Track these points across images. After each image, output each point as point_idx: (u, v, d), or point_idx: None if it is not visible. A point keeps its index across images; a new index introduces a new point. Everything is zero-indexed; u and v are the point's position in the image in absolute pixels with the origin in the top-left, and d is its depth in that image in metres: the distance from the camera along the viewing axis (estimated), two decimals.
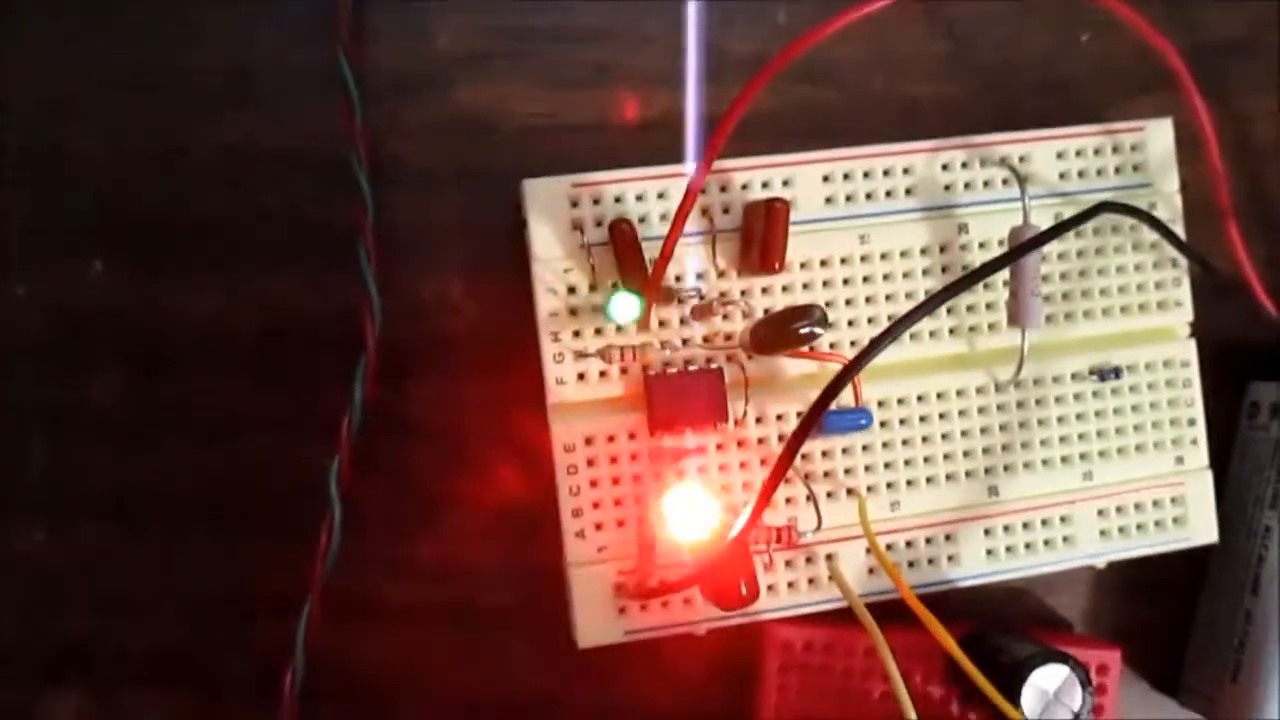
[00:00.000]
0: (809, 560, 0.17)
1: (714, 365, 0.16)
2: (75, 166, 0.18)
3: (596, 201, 0.16)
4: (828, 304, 0.17)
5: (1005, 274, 0.17)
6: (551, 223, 0.16)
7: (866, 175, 0.17)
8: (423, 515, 0.18)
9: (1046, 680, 0.15)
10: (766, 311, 0.16)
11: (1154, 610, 0.19)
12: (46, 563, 0.18)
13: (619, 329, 0.16)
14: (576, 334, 0.16)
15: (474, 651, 0.18)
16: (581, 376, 0.16)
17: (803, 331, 0.14)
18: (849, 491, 0.17)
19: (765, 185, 0.17)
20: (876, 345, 0.14)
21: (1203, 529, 0.18)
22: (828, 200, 0.17)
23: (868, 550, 0.17)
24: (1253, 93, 0.20)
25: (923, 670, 0.17)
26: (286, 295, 0.18)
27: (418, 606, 0.18)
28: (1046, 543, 0.17)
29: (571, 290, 0.16)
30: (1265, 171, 0.20)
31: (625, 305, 0.15)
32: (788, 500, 0.17)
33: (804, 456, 0.17)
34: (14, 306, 0.17)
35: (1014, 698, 0.15)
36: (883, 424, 0.17)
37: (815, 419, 0.14)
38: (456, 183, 0.18)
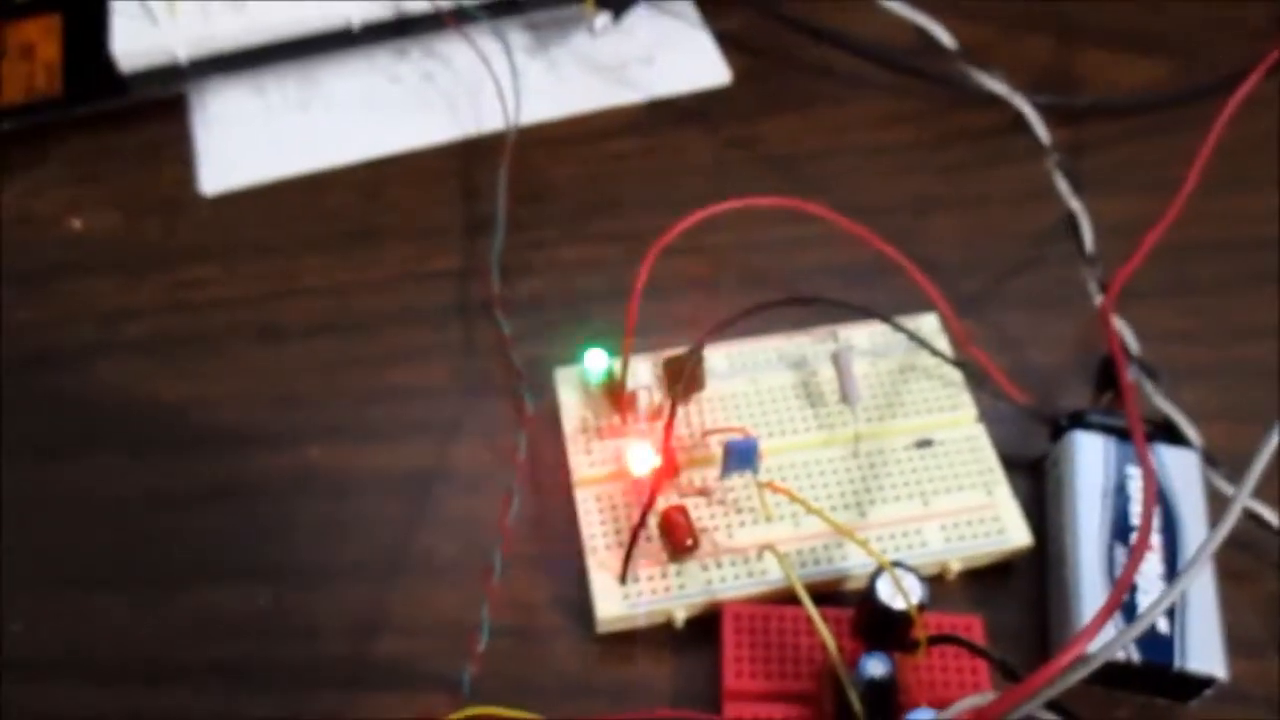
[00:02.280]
0: (747, 560, 0.26)
1: None
2: None
3: None
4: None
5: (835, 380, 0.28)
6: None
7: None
8: None
9: (895, 579, 0.24)
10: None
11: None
12: None
13: None
14: None
15: None
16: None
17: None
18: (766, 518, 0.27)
19: None
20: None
21: (1016, 534, 0.27)
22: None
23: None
24: None
25: (838, 633, 0.25)
26: None
27: None
28: (908, 545, 0.26)
29: None
30: None
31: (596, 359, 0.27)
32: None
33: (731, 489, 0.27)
34: None
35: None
36: (781, 477, 0.27)
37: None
38: None
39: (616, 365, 0.28)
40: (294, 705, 0.26)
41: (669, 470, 0.26)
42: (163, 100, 0.37)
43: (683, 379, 0.26)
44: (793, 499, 0.25)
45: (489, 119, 0.36)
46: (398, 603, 0.27)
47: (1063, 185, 0.30)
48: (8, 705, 0.26)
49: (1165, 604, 0.20)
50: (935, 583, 0.27)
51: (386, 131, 0.36)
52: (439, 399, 0.31)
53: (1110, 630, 0.24)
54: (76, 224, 0.34)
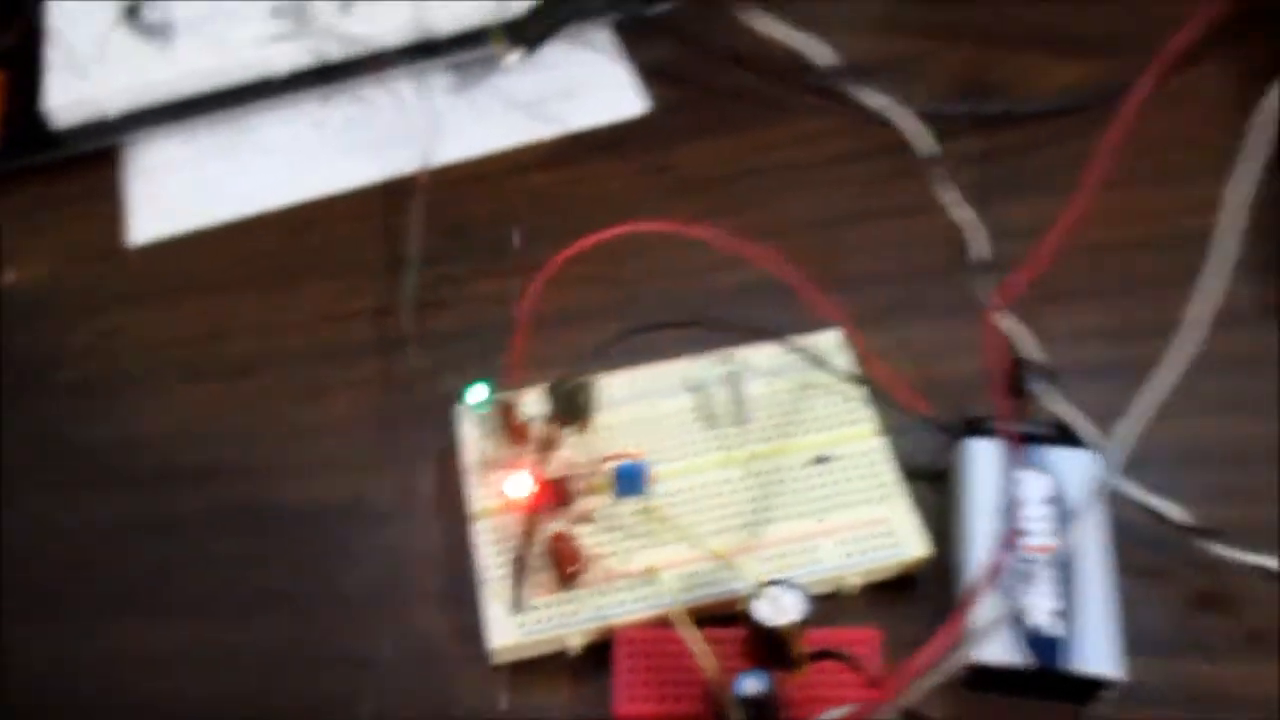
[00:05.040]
0: (640, 584, 0.26)
1: None
2: None
3: None
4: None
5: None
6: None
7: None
8: None
9: (774, 596, 0.24)
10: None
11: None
12: None
13: None
14: None
15: None
16: None
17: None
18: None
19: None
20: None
21: (911, 545, 0.27)
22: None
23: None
24: None
25: (727, 653, 0.25)
26: None
27: None
28: (805, 562, 0.26)
29: None
30: None
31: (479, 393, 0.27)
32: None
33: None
34: None
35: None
36: (679, 499, 0.27)
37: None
38: None
39: (512, 398, 0.28)
40: None
41: (560, 497, 0.27)
42: (97, 152, 0.38)
43: (565, 406, 0.26)
44: (667, 526, 0.25)
45: (409, 160, 0.36)
46: (306, 635, 0.28)
47: (949, 198, 0.30)
48: None
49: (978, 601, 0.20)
50: (836, 598, 0.27)
51: (311, 175, 0.37)
52: (354, 435, 0.31)
53: (994, 630, 0.24)
54: (11, 276, 0.35)
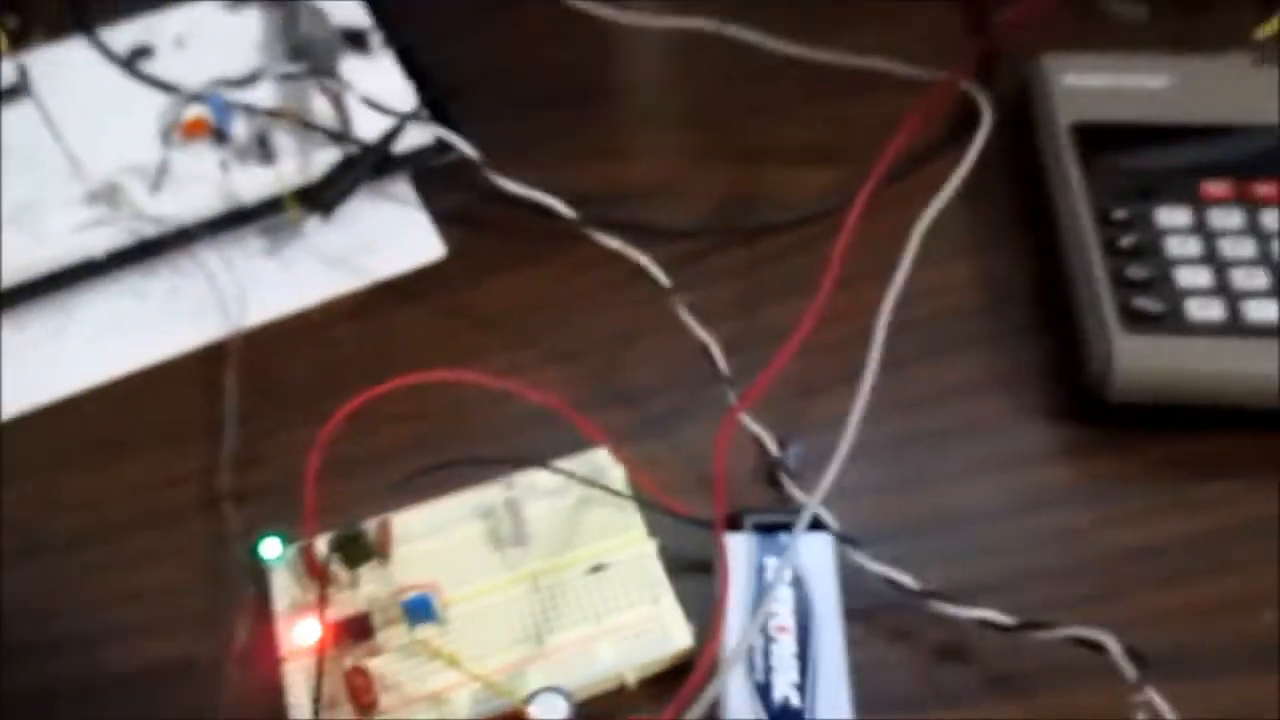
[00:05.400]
0: (439, 704, 0.29)
1: None
2: None
3: None
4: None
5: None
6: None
7: None
8: None
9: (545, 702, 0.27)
10: None
11: None
12: None
13: None
14: None
15: None
16: None
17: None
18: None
19: None
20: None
21: (678, 637, 0.30)
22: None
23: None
24: None
25: None
26: None
27: None
28: (585, 665, 0.29)
29: None
30: None
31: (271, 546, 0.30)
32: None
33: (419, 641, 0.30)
34: None
35: None
36: (471, 621, 0.30)
37: None
38: None
39: (310, 545, 0.31)
40: None
41: (361, 632, 0.29)
42: None
43: (348, 554, 0.29)
44: (446, 654, 0.28)
45: (225, 324, 0.39)
46: None
47: (689, 320, 0.34)
48: None
49: None
50: (621, 693, 0.30)
51: (136, 347, 0.39)
52: (181, 597, 0.33)
53: (742, 702, 0.27)
54: None
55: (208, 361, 0.39)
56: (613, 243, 0.37)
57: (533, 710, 0.26)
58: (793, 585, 0.30)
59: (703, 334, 0.35)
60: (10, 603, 0.34)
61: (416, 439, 0.35)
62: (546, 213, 0.40)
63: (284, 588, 0.31)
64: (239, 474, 0.35)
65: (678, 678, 0.30)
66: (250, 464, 0.36)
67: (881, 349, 0.33)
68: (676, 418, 0.35)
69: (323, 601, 0.29)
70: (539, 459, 0.33)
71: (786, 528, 0.31)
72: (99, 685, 0.32)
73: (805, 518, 0.31)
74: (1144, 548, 0.32)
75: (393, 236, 0.42)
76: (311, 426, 0.36)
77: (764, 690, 0.28)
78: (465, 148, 0.40)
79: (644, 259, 0.36)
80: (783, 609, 0.29)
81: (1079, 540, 0.33)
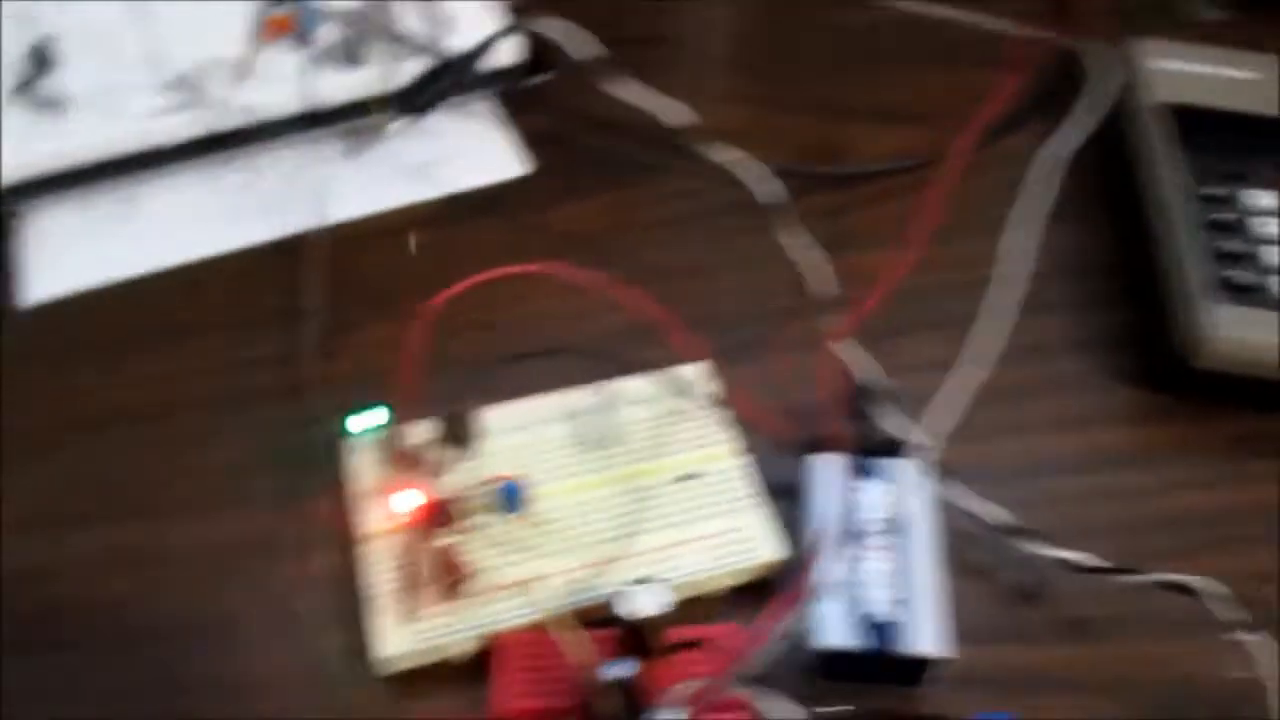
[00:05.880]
0: (519, 594, 0.28)
1: None
2: None
3: None
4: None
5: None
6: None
7: None
8: None
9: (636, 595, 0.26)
10: None
11: None
12: None
13: None
14: None
15: None
16: None
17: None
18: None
19: None
20: None
21: (766, 549, 0.29)
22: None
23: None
24: None
25: (602, 650, 0.27)
26: None
27: None
28: (673, 568, 0.29)
29: None
30: None
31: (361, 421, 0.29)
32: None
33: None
34: None
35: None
36: (558, 516, 0.30)
37: None
38: None
39: (401, 428, 0.30)
40: None
41: (445, 518, 0.29)
42: None
43: (453, 434, 0.29)
44: (543, 537, 0.28)
45: (301, 220, 0.38)
46: (199, 663, 0.29)
47: (794, 245, 0.34)
48: None
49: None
50: (702, 600, 0.29)
51: (205, 237, 0.39)
52: (250, 475, 0.33)
53: (835, 618, 0.27)
54: None
55: (282, 255, 0.38)
56: (730, 155, 0.36)
57: (624, 602, 0.26)
58: (886, 508, 0.30)
59: (800, 263, 0.35)
60: (75, 473, 0.33)
61: (503, 339, 0.35)
62: (633, 139, 0.40)
63: (362, 469, 0.31)
64: (316, 363, 0.35)
65: (759, 589, 0.30)
66: (325, 356, 0.35)
67: (982, 301, 0.33)
68: (766, 345, 0.35)
69: (429, 480, 0.28)
70: (629, 367, 0.33)
71: (877, 454, 0.31)
72: (162, 556, 0.31)
73: (897, 446, 0.31)
74: (1214, 512, 0.33)
75: (474, 151, 0.41)
76: (390, 323, 0.36)
77: (859, 605, 0.27)
78: (568, 48, 0.39)
79: (756, 180, 0.36)
80: (876, 529, 0.29)
81: (1150, 500, 0.33)
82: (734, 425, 0.32)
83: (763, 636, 0.22)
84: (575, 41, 0.39)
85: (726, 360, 0.34)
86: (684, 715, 0.24)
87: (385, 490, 0.30)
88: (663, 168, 0.40)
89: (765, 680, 0.26)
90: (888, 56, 0.44)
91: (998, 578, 0.31)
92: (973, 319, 0.35)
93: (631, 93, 0.39)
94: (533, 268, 0.32)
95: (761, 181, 0.37)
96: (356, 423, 0.30)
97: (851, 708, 0.27)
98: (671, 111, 0.38)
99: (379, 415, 0.30)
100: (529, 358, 0.33)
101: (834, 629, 0.27)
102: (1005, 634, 0.30)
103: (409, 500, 0.29)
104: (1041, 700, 0.29)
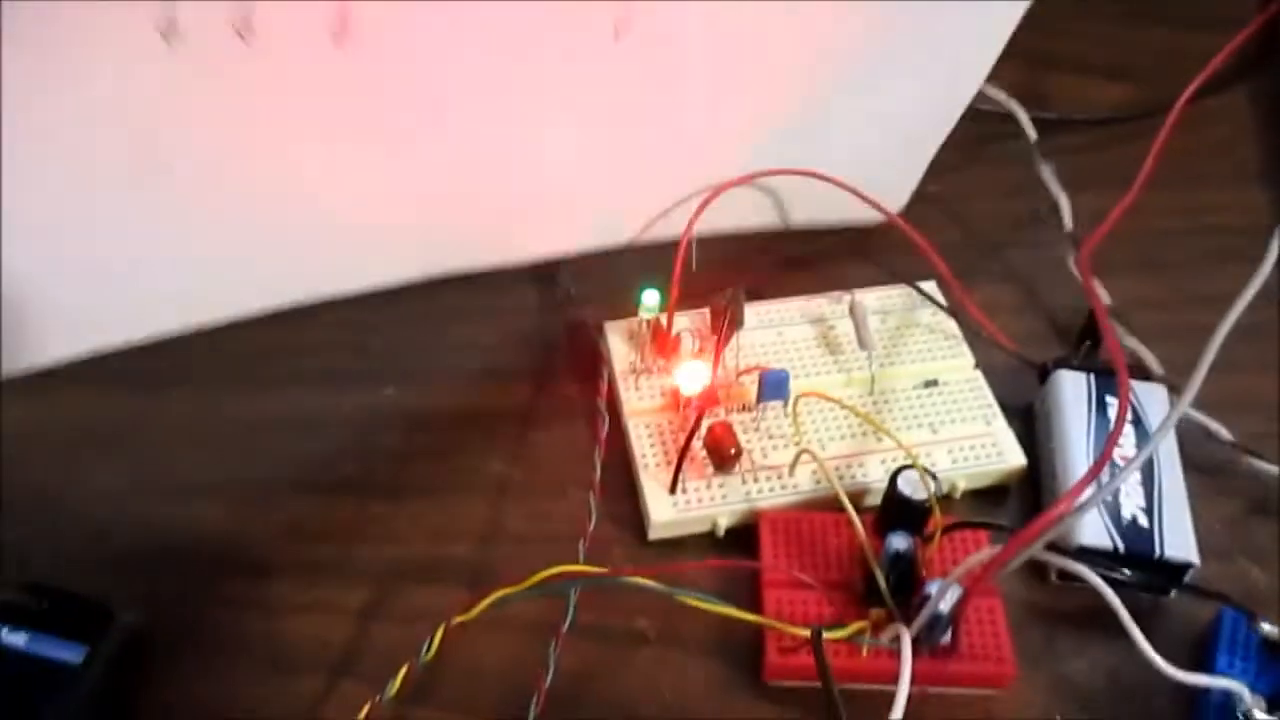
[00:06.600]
0: (781, 475, 0.30)
1: None
2: None
3: None
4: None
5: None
6: None
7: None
8: None
9: (911, 478, 0.28)
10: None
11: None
12: None
13: None
14: None
15: None
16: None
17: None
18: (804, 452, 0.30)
19: None
20: None
21: (1013, 456, 0.31)
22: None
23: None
24: None
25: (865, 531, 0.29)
26: None
27: None
28: (930, 464, 0.30)
29: None
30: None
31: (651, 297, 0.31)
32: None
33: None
34: None
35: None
36: (806, 413, 0.31)
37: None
38: None
39: (665, 315, 0.32)
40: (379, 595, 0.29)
41: (710, 399, 0.30)
42: None
43: (726, 314, 0.30)
44: (799, 419, 0.29)
45: None
46: (465, 518, 0.31)
47: (1048, 176, 0.35)
48: None
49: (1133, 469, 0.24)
50: (944, 501, 0.30)
51: None
52: (509, 350, 0.35)
53: (1092, 518, 0.28)
54: None
55: None
56: (996, 95, 0.38)
57: (903, 483, 0.27)
58: (1132, 423, 0.31)
59: (1056, 191, 0.36)
60: (335, 336, 0.35)
61: (747, 248, 0.36)
62: None
63: (623, 352, 0.32)
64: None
65: (996, 495, 0.31)
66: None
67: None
68: (1001, 267, 0.36)
69: (720, 349, 0.30)
70: (881, 278, 0.34)
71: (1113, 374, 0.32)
72: (426, 416, 0.33)
73: (1137, 370, 0.32)
74: None
75: None
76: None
77: (1113, 511, 0.29)
78: None
79: (1022, 116, 0.37)
80: (1126, 440, 0.30)
81: None
82: (972, 340, 0.33)
83: (1037, 528, 0.23)
84: None
85: (968, 279, 0.35)
86: (960, 590, 0.25)
87: (645, 373, 0.32)
88: None
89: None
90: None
91: (1229, 494, 0.31)
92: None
93: None
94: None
95: (993, 117, 0.38)
96: (647, 297, 0.31)
97: None
98: None
99: (650, 297, 0.31)
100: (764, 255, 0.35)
101: (1091, 529, 0.28)
102: (1235, 550, 0.31)
103: (690, 377, 0.30)
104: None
